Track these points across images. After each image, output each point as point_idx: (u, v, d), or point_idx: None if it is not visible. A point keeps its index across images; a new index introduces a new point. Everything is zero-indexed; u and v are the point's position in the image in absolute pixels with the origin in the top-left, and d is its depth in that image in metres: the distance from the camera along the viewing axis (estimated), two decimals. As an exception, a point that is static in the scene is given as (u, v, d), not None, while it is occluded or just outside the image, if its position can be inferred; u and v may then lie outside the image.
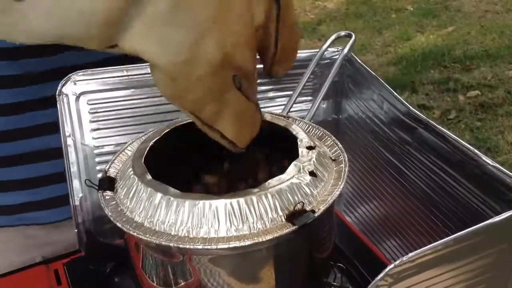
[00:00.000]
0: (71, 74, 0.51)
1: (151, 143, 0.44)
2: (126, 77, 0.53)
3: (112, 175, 0.44)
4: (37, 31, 0.28)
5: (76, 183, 0.53)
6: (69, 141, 0.52)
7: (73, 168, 0.52)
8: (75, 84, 0.51)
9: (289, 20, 0.36)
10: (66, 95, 0.51)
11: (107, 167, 0.45)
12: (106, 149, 0.54)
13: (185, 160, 0.47)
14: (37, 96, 0.54)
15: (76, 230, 0.52)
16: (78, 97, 0.52)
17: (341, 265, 0.46)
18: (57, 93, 0.50)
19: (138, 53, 0.30)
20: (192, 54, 0.30)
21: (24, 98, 0.55)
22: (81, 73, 0.52)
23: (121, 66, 0.53)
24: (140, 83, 0.54)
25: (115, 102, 0.54)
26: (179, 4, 0.29)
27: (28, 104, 0.55)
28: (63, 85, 0.51)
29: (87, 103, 0.53)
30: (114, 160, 0.46)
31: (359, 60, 0.61)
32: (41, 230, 0.61)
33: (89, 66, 0.52)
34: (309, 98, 0.64)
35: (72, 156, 0.52)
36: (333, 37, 0.62)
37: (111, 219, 0.39)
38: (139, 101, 0.55)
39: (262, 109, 0.42)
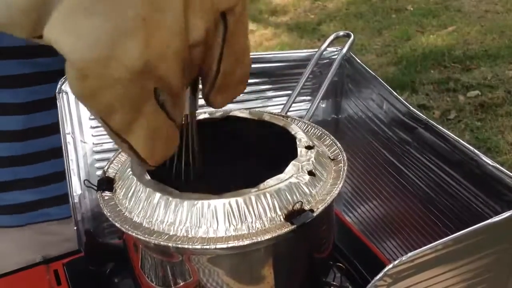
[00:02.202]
0: None
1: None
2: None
3: (111, 175, 0.44)
4: None
5: (75, 181, 0.53)
6: (69, 138, 0.52)
7: (72, 166, 0.52)
8: None
9: (237, 45, 0.34)
10: (66, 93, 0.51)
11: (106, 168, 0.45)
12: (106, 146, 0.54)
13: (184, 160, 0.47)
14: (50, 95, 0.54)
15: (75, 228, 0.52)
16: None
17: (340, 264, 0.46)
18: (57, 91, 0.51)
19: (52, 43, 0.28)
20: (109, 53, 0.28)
21: (38, 97, 0.55)
22: None
23: None
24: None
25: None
26: None
27: (42, 103, 0.55)
28: (63, 83, 0.51)
29: None
30: (113, 160, 0.46)
31: (358, 60, 0.61)
32: (58, 225, 0.61)
33: None
34: (308, 97, 0.64)
35: (71, 154, 0.52)
36: (331, 37, 0.62)
37: (110, 219, 0.39)
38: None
39: (261, 109, 0.42)
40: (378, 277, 0.33)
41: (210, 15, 0.31)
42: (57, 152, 0.55)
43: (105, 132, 0.53)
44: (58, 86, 0.51)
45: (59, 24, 0.27)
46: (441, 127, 0.50)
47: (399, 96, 0.55)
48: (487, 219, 0.36)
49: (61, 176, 0.57)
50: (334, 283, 0.45)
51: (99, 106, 0.30)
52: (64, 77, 0.51)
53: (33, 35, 0.29)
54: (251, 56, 0.37)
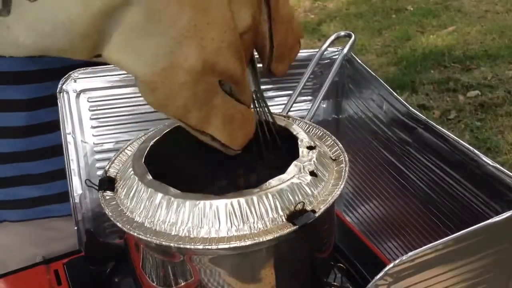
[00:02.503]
0: (71, 72, 0.51)
1: (151, 143, 0.44)
2: (127, 75, 0.53)
3: (112, 175, 0.44)
4: (23, 44, 0.29)
5: (76, 181, 0.53)
6: (69, 138, 0.52)
7: (73, 166, 0.52)
8: (75, 81, 0.52)
9: (283, 17, 0.36)
10: (67, 93, 0.51)
11: (107, 167, 0.45)
12: (106, 146, 0.54)
13: (185, 160, 0.47)
14: (52, 92, 0.54)
15: (76, 228, 0.53)
16: (78, 95, 0.52)
17: (341, 265, 0.46)
18: (57, 91, 0.51)
19: (116, 64, 0.30)
20: (169, 63, 0.30)
21: (41, 94, 0.55)
22: (81, 71, 0.52)
23: None
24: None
25: (115, 100, 0.54)
26: (154, 15, 0.29)
27: (44, 100, 0.55)
28: (64, 83, 0.51)
29: (88, 101, 0.53)
30: (114, 160, 0.46)
31: (359, 60, 0.61)
32: (62, 222, 0.61)
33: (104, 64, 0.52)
34: (309, 98, 0.64)
35: (72, 154, 0.52)
36: (332, 37, 0.62)
37: (112, 219, 0.39)
38: (140, 99, 0.54)
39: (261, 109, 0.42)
40: (378, 276, 0.33)
41: (253, 1, 0.33)
42: (61, 150, 0.55)
43: (106, 132, 0.54)
44: (59, 85, 0.51)
45: (119, 47, 0.30)
46: (440, 128, 0.50)
47: (399, 97, 0.55)
48: (487, 219, 0.36)
49: (63, 174, 0.57)
50: (335, 284, 0.45)
51: (174, 111, 0.32)
52: (65, 76, 0.51)
53: (91, 56, 0.30)
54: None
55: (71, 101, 0.52)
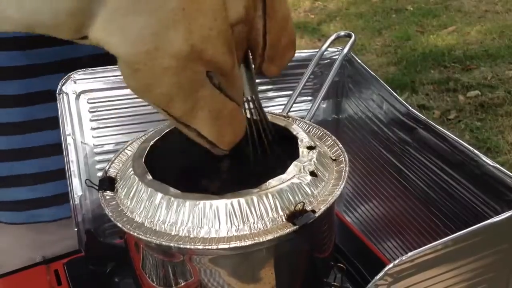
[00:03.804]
0: (71, 73, 0.51)
1: (151, 143, 0.44)
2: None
3: (112, 175, 0.44)
4: (10, 18, 0.29)
5: (76, 182, 0.53)
6: (69, 139, 0.52)
7: (73, 167, 0.52)
8: (75, 83, 0.52)
9: (279, 15, 0.35)
10: (66, 94, 0.51)
11: (107, 167, 0.45)
12: (106, 148, 0.54)
13: (185, 160, 0.47)
14: (47, 87, 0.54)
15: (76, 229, 0.52)
16: (78, 96, 0.52)
17: (341, 265, 0.46)
18: (57, 92, 0.51)
19: (100, 43, 0.30)
20: (154, 45, 0.29)
21: (34, 90, 0.55)
22: (81, 72, 0.52)
23: None
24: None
25: (115, 101, 0.54)
26: None
27: (39, 95, 0.55)
28: (63, 84, 0.51)
29: (87, 102, 0.53)
30: (114, 160, 0.46)
31: (359, 60, 0.61)
32: (56, 226, 0.61)
33: (100, 57, 0.51)
34: (309, 98, 0.64)
35: (72, 155, 0.52)
36: (332, 37, 0.62)
37: (112, 219, 0.39)
38: (139, 100, 0.55)
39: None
40: (378, 276, 0.33)
41: None
42: (55, 149, 0.55)
43: (106, 134, 0.54)
44: (58, 87, 0.51)
45: (104, 25, 0.29)
46: (440, 128, 0.50)
47: (398, 97, 0.55)
48: (487, 219, 0.36)
49: (59, 174, 0.57)
50: (335, 284, 0.45)
51: (156, 97, 0.31)
52: (65, 78, 0.51)
53: (76, 37, 0.30)
54: None
55: (70, 103, 0.52)
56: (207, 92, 0.32)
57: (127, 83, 0.31)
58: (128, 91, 0.53)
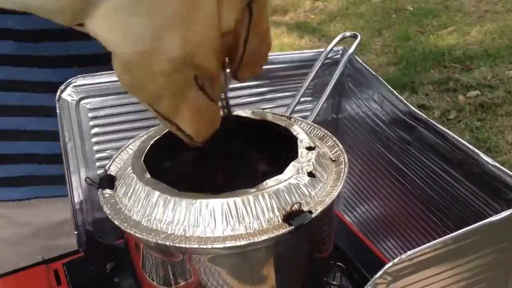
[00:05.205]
0: (71, 79, 0.51)
1: (151, 142, 0.44)
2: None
3: (113, 173, 0.44)
4: None
5: (76, 185, 0.52)
6: (69, 146, 0.52)
7: (73, 169, 0.52)
8: (75, 89, 0.51)
9: (261, 27, 0.37)
10: (66, 100, 0.51)
11: (108, 166, 0.45)
12: (106, 154, 0.54)
13: (185, 159, 0.47)
14: (19, 78, 0.54)
15: (75, 232, 0.52)
16: (78, 102, 0.52)
17: (340, 264, 0.46)
18: (56, 99, 0.50)
19: (98, 36, 0.30)
20: (152, 47, 0.30)
21: (31, 79, 0.55)
22: (80, 78, 0.51)
23: None
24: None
25: (115, 107, 0.54)
26: None
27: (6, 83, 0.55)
28: (63, 91, 0.50)
29: (87, 108, 0.52)
30: (115, 158, 0.46)
31: (359, 60, 0.61)
32: (53, 225, 0.61)
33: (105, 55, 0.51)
34: (310, 98, 0.64)
35: (72, 161, 0.52)
36: (338, 37, 0.62)
37: (109, 217, 0.39)
38: (140, 106, 0.54)
39: (264, 110, 0.42)
40: (378, 275, 0.33)
41: (238, 7, 0.34)
42: (22, 134, 0.56)
43: (106, 139, 0.54)
44: (58, 93, 0.50)
45: (105, 19, 0.29)
46: (441, 126, 0.50)
47: (399, 96, 0.55)
48: (487, 218, 0.36)
49: (23, 158, 0.59)
50: (334, 283, 0.45)
51: (147, 96, 0.33)
52: (64, 84, 0.51)
53: (73, 23, 0.30)
54: None
55: (70, 109, 0.51)
56: (192, 93, 0.34)
57: (120, 80, 0.32)
58: (128, 96, 0.54)
